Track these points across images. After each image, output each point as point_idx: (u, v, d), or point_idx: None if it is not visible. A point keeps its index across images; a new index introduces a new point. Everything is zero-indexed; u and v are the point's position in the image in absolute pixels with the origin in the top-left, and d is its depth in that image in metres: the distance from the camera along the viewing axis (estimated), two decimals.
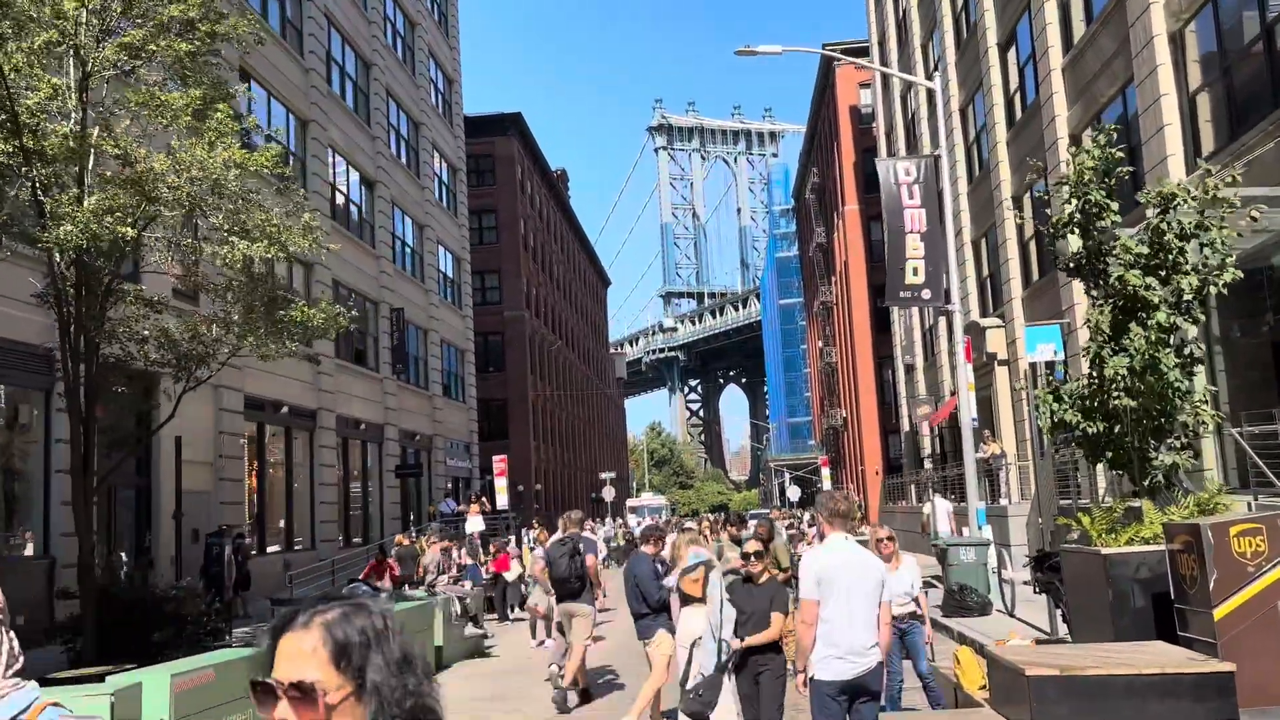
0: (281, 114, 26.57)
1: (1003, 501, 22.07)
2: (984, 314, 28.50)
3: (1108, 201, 9.50)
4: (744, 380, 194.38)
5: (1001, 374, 26.21)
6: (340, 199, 30.36)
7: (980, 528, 15.18)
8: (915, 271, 15.10)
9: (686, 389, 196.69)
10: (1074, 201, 9.73)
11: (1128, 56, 17.96)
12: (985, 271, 28.91)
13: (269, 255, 11.22)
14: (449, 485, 38.74)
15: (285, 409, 25.07)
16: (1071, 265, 10.08)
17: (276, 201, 12.72)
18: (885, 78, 41.87)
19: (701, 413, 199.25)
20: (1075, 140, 21.05)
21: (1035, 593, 10.44)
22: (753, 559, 6.91)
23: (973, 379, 17.03)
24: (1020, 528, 20.40)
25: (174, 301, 17.52)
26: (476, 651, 13.97)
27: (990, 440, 22.62)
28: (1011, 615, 13.23)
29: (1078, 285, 21.08)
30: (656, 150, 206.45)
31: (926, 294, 15.29)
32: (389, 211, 33.77)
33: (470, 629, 13.43)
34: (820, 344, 67.69)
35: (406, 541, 19.95)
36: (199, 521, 20.31)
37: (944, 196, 15.58)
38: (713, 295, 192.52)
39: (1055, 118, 21.26)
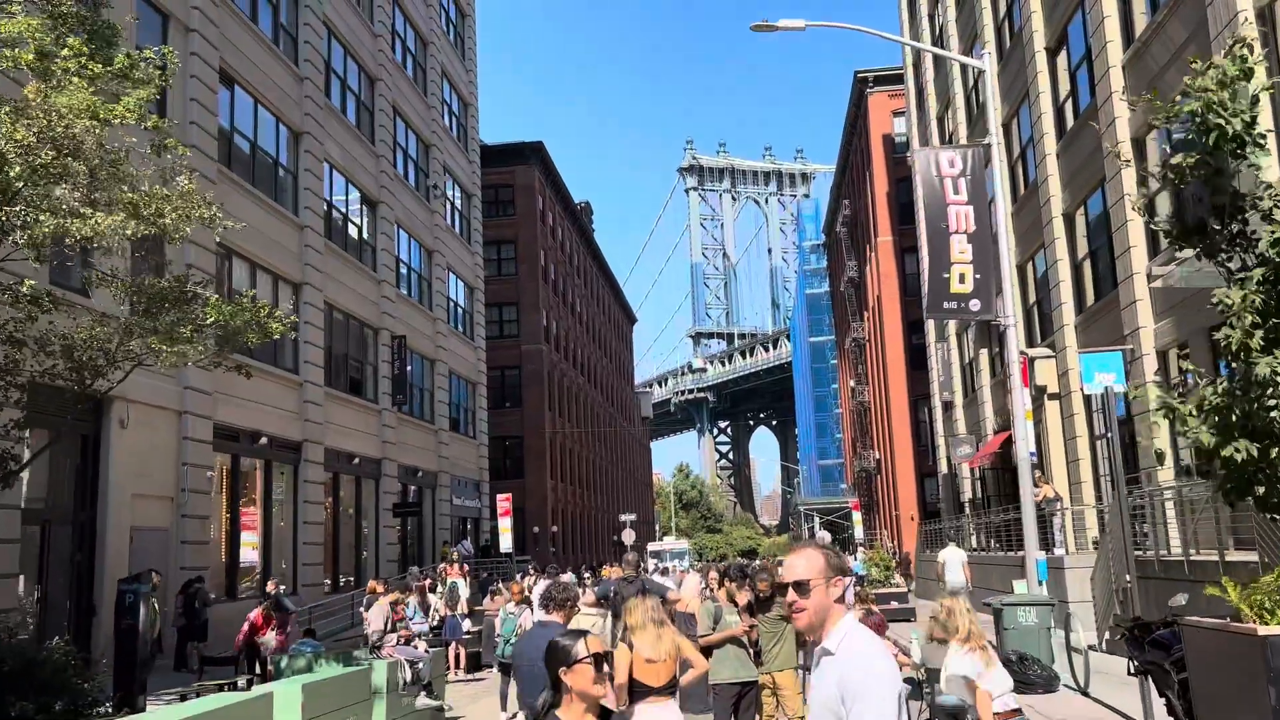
0: (271, 123, 24.79)
1: (1057, 551, 19.51)
2: (1030, 344, 26.05)
3: (1250, 134, 7.16)
4: (775, 422, 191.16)
5: (1052, 409, 23.71)
6: (337, 217, 28.49)
7: (1041, 583, 12.73)
8: (962, 279, 12.82)
9: (716, 431, 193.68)
10: (1198, 136, 7.31)
11: (1204, 40, 15.64)
12: (1032, 298, 26.48)
13: (128, 232, 9.02)
14: (455, 525, 36.47)
15: (264, 440, 23.00)
16: (1179, 228, 7.69)
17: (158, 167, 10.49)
18: (919, 100, 39.72)
19: (731, 455, 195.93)
20: (1138, 144, 18.74)
21: (1131, 673, 8.06)
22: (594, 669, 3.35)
23: (1030, 406, 14.63)
24: (1080, 583, 17.83)
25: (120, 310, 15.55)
26: None
27: (1042, 482, 20.08)
28: (1085, 694, 10.75)
29: (1144, 306, 18.69)
30: (687, 191, 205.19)
31: (975, 305, 13.00)
32: (392, 234, 31.89)
33: (423, 700, 11.17)
34: (852, 383, 65.10)
35: (382, 588, 17.67)
36: (157, 562, 18.17)
37: (997, 189, 13.33)
38: (743, 336, 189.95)
39: (1115, 120, 18.94)
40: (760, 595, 8.44)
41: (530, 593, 13.33)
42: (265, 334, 11.03)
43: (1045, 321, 25.19)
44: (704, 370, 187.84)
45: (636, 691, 6.55)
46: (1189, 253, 12.99)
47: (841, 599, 3.00)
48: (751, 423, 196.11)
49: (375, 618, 10.78)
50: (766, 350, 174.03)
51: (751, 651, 8.09)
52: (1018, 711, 5.58)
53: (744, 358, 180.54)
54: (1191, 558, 12.11)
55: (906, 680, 9.16)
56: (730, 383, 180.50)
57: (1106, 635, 13.78)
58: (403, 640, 11.18)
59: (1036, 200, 24.18)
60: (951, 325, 34.98)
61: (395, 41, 33.97)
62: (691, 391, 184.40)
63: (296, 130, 25.93)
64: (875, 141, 52.53)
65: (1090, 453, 22.23)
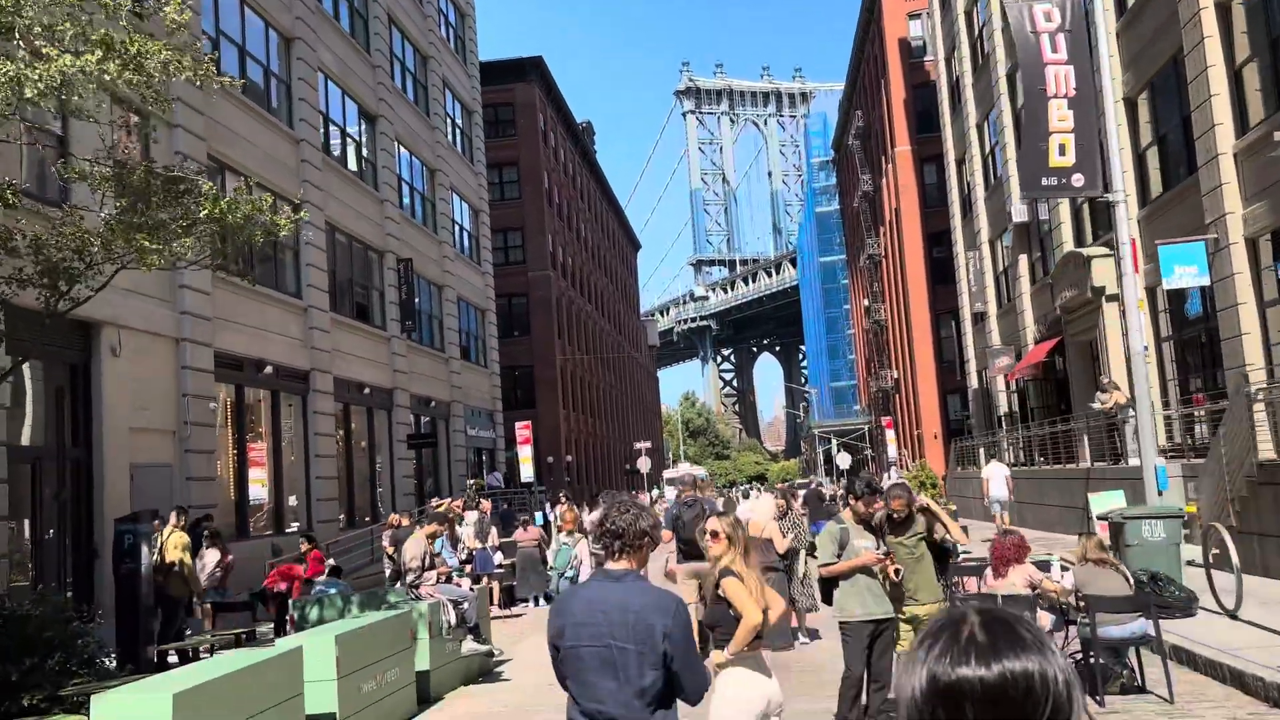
0: (259, 26, 22.81)
1: (1133, 461, 18.09)
2: (1080, 244, 24.40)
3: None
4: (778, 348, 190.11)
5: (1111, 311, 22.14)
6: (335, 132, 26.61)
7: (1160, 493, 11.27)
8: (1062, 150, 11.18)
9: (719, 359, 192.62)
10: None
11: None
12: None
13: (108, 75, 7.29)
14: (470, 456, 35.16)
15: (269, 369, 21.46)
16: None
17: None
18: None
19: (735, 382, 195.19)
20: (1223, 10, 16.87)
21: None
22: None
23: (1143, 295, 13.06)
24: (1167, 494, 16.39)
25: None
26: (481, 673, 10.33)
27: (1112, 387, 18.62)
28: (1234, 617, 9.34)
29: (1230, 190, 16.90)
30: (684, 114, 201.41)
31: (1078, 180, 11.36)
32: (393, 150, 29.99)
33: (469, 644, 9.80)
34: (866, 301, 63.45)
35: (405, 521, 16.33)
36: (160, 501, 16.78)
37: (1101, 42, 11.50)
38: (744, 262, 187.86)
39: None
40: (895, 516, 6.94)
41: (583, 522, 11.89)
42: (270, 231, 9.40)
43: (1098, 218, 23.50)
44: (706, 298, 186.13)
45: (717, 641, 5.06)
46: None
47: None
48: (755, 349, 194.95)
49: (413, 552, 9.37)
50: (769, 275, 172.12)
51: (883, 581, 6.62)
52: None
53: (746, 284, 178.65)
54: None
55: (1050, 608, 7.74)
56: (733, 309, 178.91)
57: (1214, 550, 12.39)
58: (442, 578, 9.80)
59: (1092, 86, 22.29)
60: (984, 232, 33.25)
61: None
62: (694, 320, 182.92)
63: (287, 35, 23.94)
64: (891, 47, 50.15)
65: (1156, 355, 20.73)
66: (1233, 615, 9.35)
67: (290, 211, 20.68)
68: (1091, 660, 7.31)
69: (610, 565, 3.68)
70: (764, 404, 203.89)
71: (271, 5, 23.12)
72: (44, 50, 6.92)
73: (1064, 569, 8.00)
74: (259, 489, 21.76)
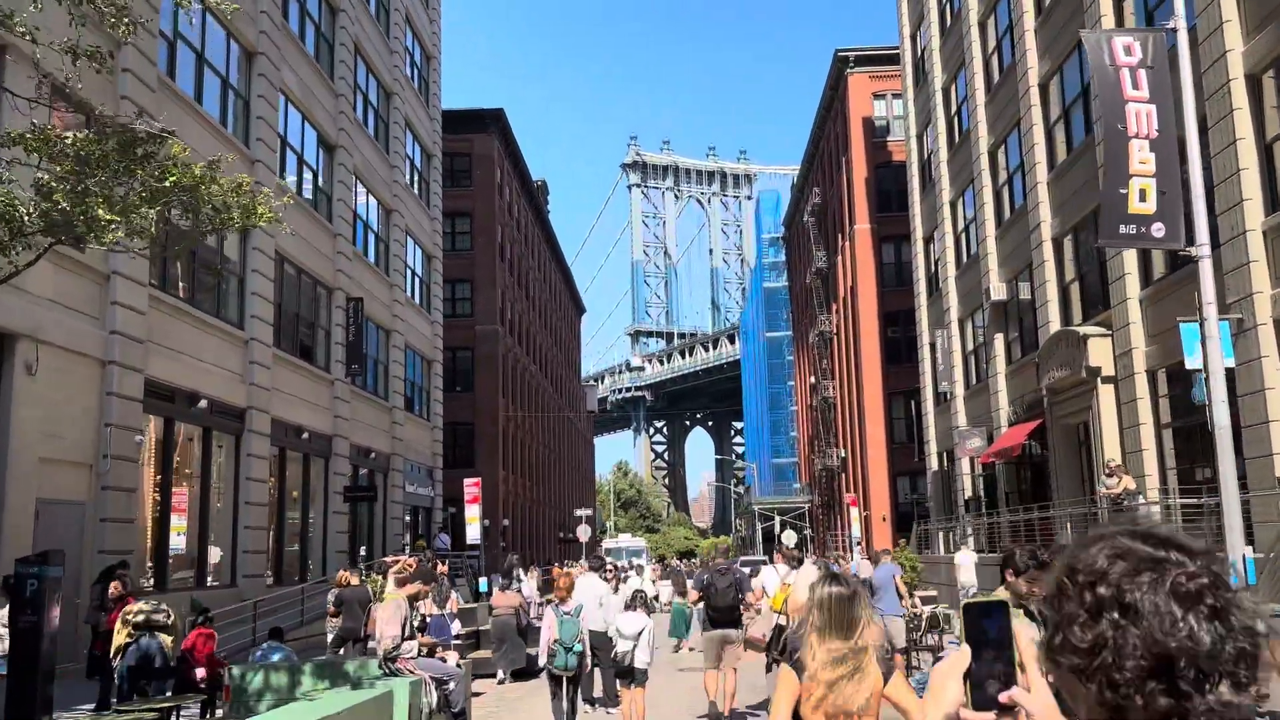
0: (221, 36, 21.20)
1: None
2: (1068, 322, 23.58)
3: None
4: (710, 422, 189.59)
5: (1106, 393, 21.21)
6: (292, 159, 24.90)
7: (1248, 586, 10.00)
8: (1143, 196, 10.07)
9: (652, 430, 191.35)
10: None
11: None
12: (1069, 273, 23.98)
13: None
14: (406, 514, 32.96)
15: (203, 403, 19.41)
16: None
17: None
18: (918, 72, 37.15)
19: (666, 455, 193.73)
20: (1253, 81, 16.20)
21: None
22: None
23: (1221, 368, 11.91)
24: None
25: None
26: None
27: (1121, 472, 17.51)
28: None
29: (1259, 269, 16.11)
30: (630, 187, 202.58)
31: (1158, 230, 10.24)
32: (350, 184, 28.34)
33: None
34: (813, 379, 62.71)
35: (355, 580, 14.39)
36: (70, 543, 14.62)
37: (1185, 83, 10.40)
38: (682, 335, 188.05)
39: (1226, 54, 16.37)
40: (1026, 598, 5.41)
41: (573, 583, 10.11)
42: (247, 215, 7.73)
43: (1091, 296, 22.73)
44: (642, 368, 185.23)
45: None
46: None
47: None
48: (688, 422, 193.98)
49: (388, 619, 7.52)
50: (706, 350, 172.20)
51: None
52: None
53: (683, 357, 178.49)
54: None
55: None
56: (669, 381, 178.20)
57: None
58: (424, 650, 8.00)
59: (1093, 157, 21.67)
60: (954, 311, 32.49)
61: None
62: (629, 389, 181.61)
63: (250, 49, 22.36)
64: (854, 125, 50.14)
65: (1155, 442, 19.78)
66: None
67: (234, 245, 18.79)
68: None
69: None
70: (691, 479, 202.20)
71: (235, 15, 21.50)
72: None
73: None
74: (180, 537, 19.52)
